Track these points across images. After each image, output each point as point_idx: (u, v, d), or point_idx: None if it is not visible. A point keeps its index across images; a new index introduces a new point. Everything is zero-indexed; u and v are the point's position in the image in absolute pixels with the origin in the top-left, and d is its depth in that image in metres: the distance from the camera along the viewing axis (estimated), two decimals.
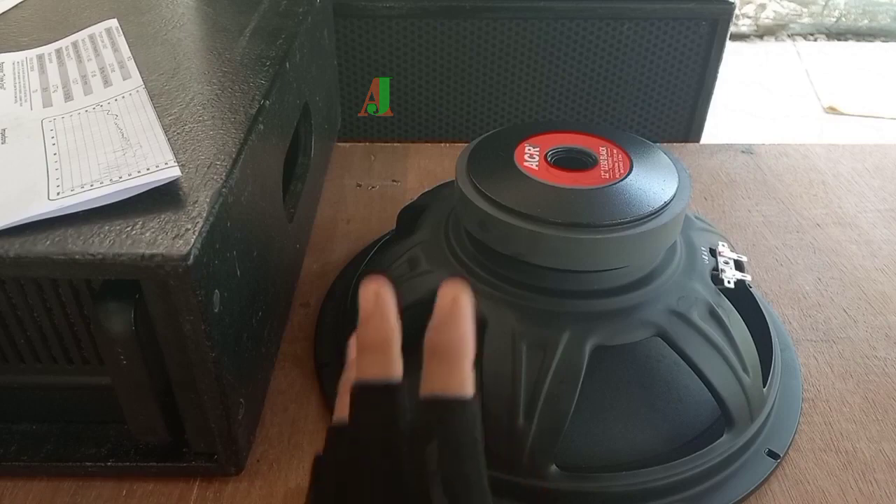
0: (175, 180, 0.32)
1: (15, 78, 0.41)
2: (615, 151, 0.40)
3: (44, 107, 0.38)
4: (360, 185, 0.63)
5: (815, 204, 0.61)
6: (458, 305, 0.25)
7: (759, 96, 2.29)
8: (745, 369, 0.37)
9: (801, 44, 2.71)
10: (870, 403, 0.43)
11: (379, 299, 0.25)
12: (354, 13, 0.71)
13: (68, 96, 0.39)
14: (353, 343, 0.27)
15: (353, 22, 0.71)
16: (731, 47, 0.80)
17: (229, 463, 0.37)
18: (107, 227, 0.30)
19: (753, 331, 0.40)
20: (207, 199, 0.31)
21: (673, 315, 0.36)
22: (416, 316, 0.43)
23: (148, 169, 0.32)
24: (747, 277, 0.41)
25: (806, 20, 2.75)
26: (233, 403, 0.34)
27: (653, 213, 0.36)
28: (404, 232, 0.47)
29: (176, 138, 0.36)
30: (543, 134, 0.42)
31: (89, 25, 0.47)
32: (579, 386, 0.34)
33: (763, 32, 2.77)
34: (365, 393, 0.25)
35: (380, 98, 0.76)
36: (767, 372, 0.40)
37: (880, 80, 2.39)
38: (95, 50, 0.44)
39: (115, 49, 0.44)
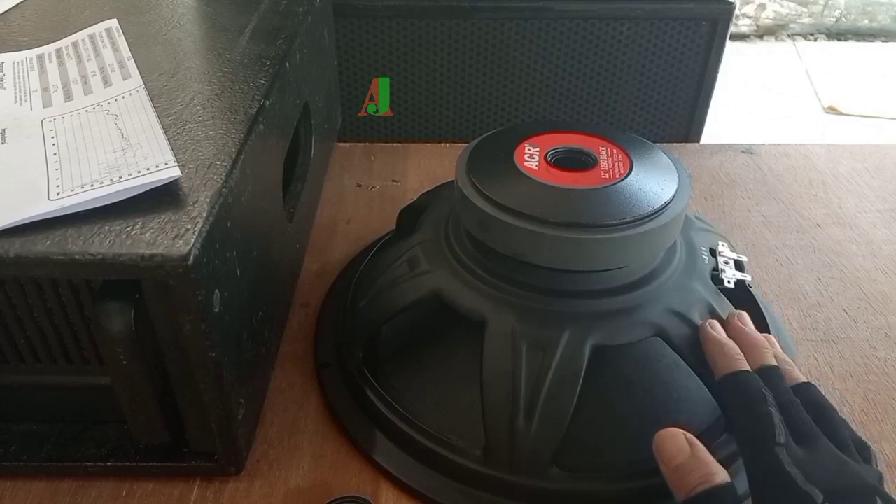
0: (175, 180, 0.32)
1: (15, 78, 0.41)
2: (615, 151, 0.40)
3: (44, 107, 0.38)
4: (360, 185, 0.63)
5: (815, 204, 0.61)
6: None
7: (759, 96, 2.29)
8: None
9: (801, 44, 2.71)
10: (870, 403, 0.43)
11: None
12: (354, 13, 0.71)
13: (68, 96, 0.39)
14: None
15: (353, 22, 0.71)
16: (731, 47, 0.80)
17: (229, 463, 0.37)
18: (107, 227, 0.30)
19: None
20: (207, 199, 0.31)
21: (673, 315, 0.36)
22: (415, 316, 0.43)
23: (148, 169, 0.32)
24: (747, 277, 0.41)
25: (806, 20, 2.76)
26: (233, 403, 0.34)
27: (653, 213, 0.36)
28: (404, 232, 0.47)
29: (176, 138, 0.36)
30: (543, 134, 0.42)
31: (89, 25, 0.47)
32: (579, 386, 0.34)
33: (763, 32, 2.77)
34: None
35: (380, 98, 0.76)
36: None
37: (880, 80, 2.39)
38: (95, 50, 0.44)
39: (115, 49, 0.44)
